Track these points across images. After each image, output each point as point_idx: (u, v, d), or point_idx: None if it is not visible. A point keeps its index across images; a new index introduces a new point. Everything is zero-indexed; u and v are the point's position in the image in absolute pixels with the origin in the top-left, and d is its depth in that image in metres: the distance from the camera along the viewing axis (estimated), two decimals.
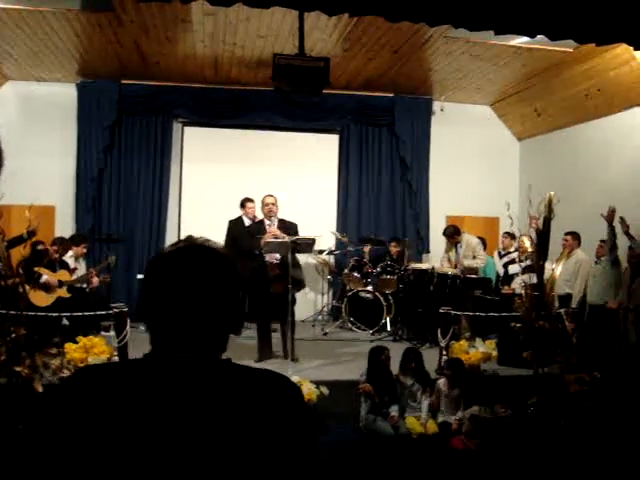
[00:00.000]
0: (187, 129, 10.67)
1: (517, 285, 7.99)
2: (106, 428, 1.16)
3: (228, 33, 7.88)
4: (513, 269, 8.70)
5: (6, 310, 5.53)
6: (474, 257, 8.67)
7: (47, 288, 7.37)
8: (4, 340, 5.46)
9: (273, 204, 7.30)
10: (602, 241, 7.89)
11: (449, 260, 8.93)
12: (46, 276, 7.31)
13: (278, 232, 7.01)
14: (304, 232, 7.43)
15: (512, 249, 9.22)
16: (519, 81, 9.58)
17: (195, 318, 1.26)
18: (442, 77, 9.75)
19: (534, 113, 10.27)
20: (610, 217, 7.29)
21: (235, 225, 8.17)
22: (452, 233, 8.77)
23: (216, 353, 1.30)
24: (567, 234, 8.16)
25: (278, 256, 7.00)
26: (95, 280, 8.12)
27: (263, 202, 7.39)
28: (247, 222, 8.16)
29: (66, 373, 5.63)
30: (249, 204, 8.37)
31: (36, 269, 6.54)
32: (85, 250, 8.66)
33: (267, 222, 7.27)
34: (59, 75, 9.76)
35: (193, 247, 1.33)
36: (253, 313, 7.21)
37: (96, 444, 1.15)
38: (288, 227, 7.25)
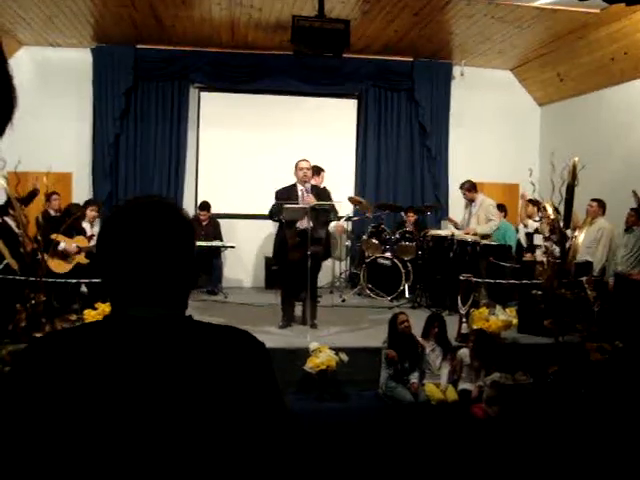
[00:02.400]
0: (203, 94, 10.56)
1: (539, 253, 7.90)
2: (68, 393, 1.14)
3: None
4: (538, 239, 8.53)
5: (26, 277, 5.55)
6: (488, 220, 8.56)
7: (65, 256, 7.37)
8: (24, 306, 5.48)
9: (308, 169, 7.16)
10: (633, 209, 7.73)
11: (463, 222, 8.86)
12: (63, 243, 7.30)
13: (314, 200, 6.88)
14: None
15: (536, 217, 9.06)
16: (542, 44, 9.35)
17: (151, 273, 1.25)
18: (463, 41, 9.54)
19: (556, 78, 10.05)
20: None
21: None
22: (469, 187, 8.65)
23: (177, 310, 1.30)
24: (593, 200, 8.03)
25: (306, 223, 6.82)
26: None
27: (298, 166, 7.17)
28: None
29: None
30: (323, 173, 8.27)
31: (53, 236, 6.53)
32: (95, 213, 8.61)
33: (300, 187, 7.10)
34: (74, 40, 9.66)
35: (146, 202, 1.32)
36: (276, 280, 7.19)
37: (59, 410, 1.14)
38: (321, 193, 7.14)
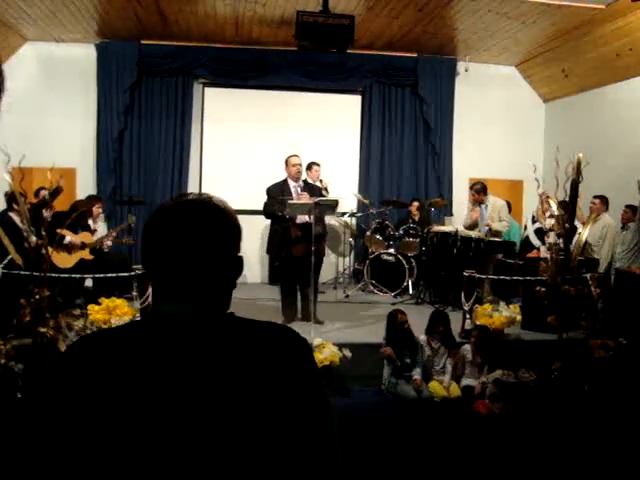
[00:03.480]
0: (208, 90, 10.56)
1: (544, 249, 7.88)
2: (113, 393, 1.14)
3: None
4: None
5: (30, 272, 5.56)
6: (500, 220, 8.51)
7: (70, 249, 7.36)
8: (28, 301, 5.49)
9: (300, 165, 7.14)
10: (627, 206, 7.74)
11: (472, 217, 8.75)
12: (69, 237, 7.30)
13: (308, 197, 6.83)
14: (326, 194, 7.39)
15: (547, 214, 8.97)
16: (547, 40, 9.32)
17: (194, 272, 1.25)
18: (467, 36, 9.52)
19: (561, 74, 10.02)
20: None
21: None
22: (480, 189, 8.54)
23: (219, 308, 1.30)
24: (595, 197, 8.02)
25: (306, 218, 6.81)
26: (108, 243, 8.06)
27: (290, 163, 7.12)
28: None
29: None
30: (315, 167, 8.24)
31: (58, 231, 6.52)
32: (100, 210, 8.61)
33: (293, 184, 7.09)
34: (78, 36, 9.65)
35: (192, 201, 1.32)
36: (277, 275, 7.16)
37: (106, 410, 1.13)
38: (312, 189, 7.15)
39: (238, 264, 1.33)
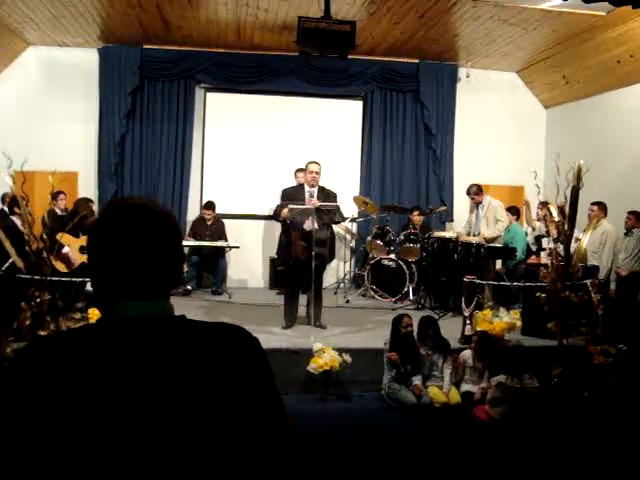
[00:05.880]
0: (209, 94, 10.58)
1: (544, 255, 7.88)
2: (68, 399, 1.14)
3: None
4: (546, 242, 8.45)
5: (31, 275, 5.56)
6: (497, 221, 8.49)
7: (67, 261, 7.31)
8: (29, 305, 5.49)
9: (317, 173, 7.09)
10: (630, 212, 7.75)
11: (469, 225, 8.78)
12: (67, 248, 7.26)
13: (318, 204, 6.83)
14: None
15: (534, 216, 9.02)
16: (548, 47, 9.34)
17: (138, 275, 1.26)
18: (468, 43, 9.54)
19: (562, 80, 10.04)
20: None
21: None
22: (475, 191, 8.57)
23: (162, 305, 1.30)
24: (593, 204, 8.03)
25: (311, 224, 6.80)
26: None
27: (307, 169, 7.14)
28: None
29: None
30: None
31: (58, 236, 6.50)
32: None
33: (307, 189, 7.07)
34: (81, 40, 9.68)
35: (128, 206, 1.32)
36: (280, 280, 7.15)
37: (60, 415, 1.13)
38: (327, 196, 7.13)
39: (181, 253, 1.36)
